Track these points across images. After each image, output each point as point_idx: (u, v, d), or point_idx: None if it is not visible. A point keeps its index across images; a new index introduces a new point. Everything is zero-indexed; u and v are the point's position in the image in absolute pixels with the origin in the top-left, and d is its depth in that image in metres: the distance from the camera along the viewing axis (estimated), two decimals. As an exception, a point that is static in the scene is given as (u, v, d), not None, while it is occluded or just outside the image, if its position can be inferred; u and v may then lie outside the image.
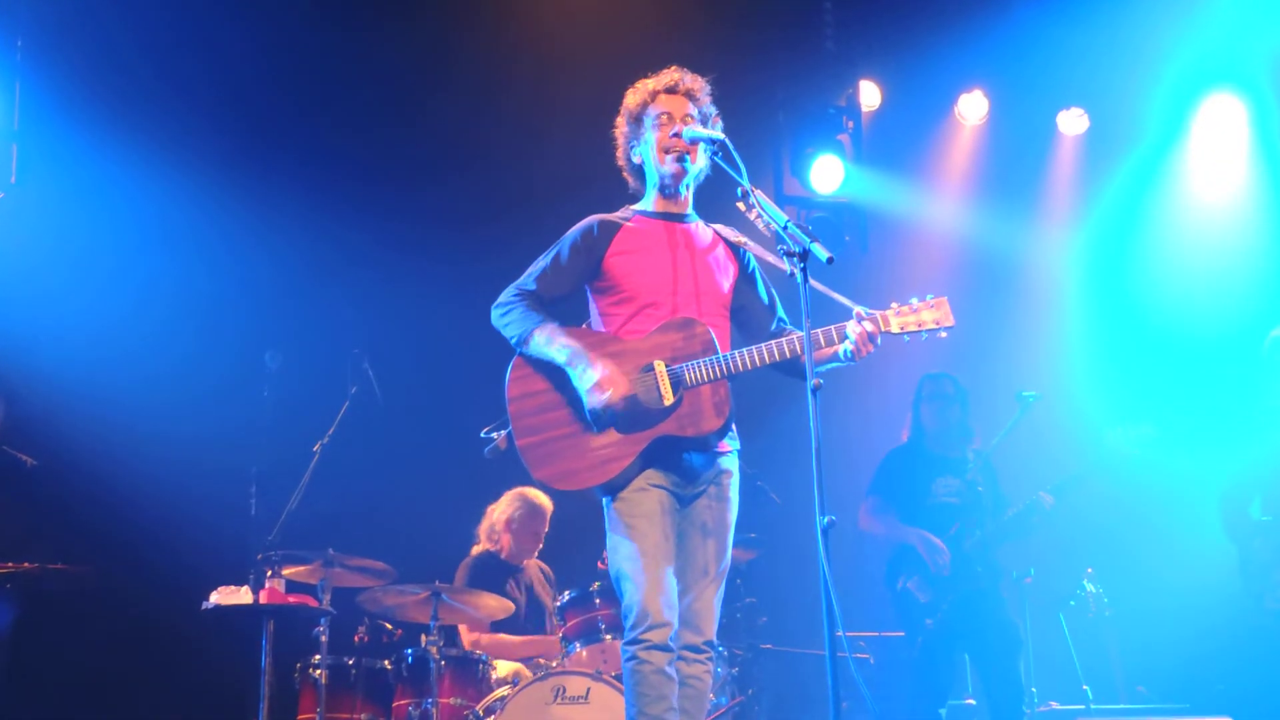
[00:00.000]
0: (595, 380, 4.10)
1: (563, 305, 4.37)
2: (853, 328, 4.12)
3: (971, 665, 6.85)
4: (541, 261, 4.39)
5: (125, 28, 7.26)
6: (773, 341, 4.18)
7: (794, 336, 4.17)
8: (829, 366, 4.23)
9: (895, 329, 4.16)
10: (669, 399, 4.12)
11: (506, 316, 4.33)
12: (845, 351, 4.15)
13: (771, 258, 4.21)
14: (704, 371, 4.12)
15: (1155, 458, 6.82)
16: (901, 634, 6.75)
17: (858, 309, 4.13)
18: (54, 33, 7.13)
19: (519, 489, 7.01)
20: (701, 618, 4.19)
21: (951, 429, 6.66)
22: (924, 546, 6.37)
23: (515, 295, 4.35)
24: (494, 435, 4.33)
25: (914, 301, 4.19)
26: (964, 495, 6.50)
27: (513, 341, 4.31)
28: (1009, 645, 6.33)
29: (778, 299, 4.48)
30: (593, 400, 4.10)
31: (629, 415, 4.14)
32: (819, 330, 4.15)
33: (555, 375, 4.22)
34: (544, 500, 6.96)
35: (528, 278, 4.38)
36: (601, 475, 4.14)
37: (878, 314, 4.15)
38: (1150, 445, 6.57)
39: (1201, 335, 8.55)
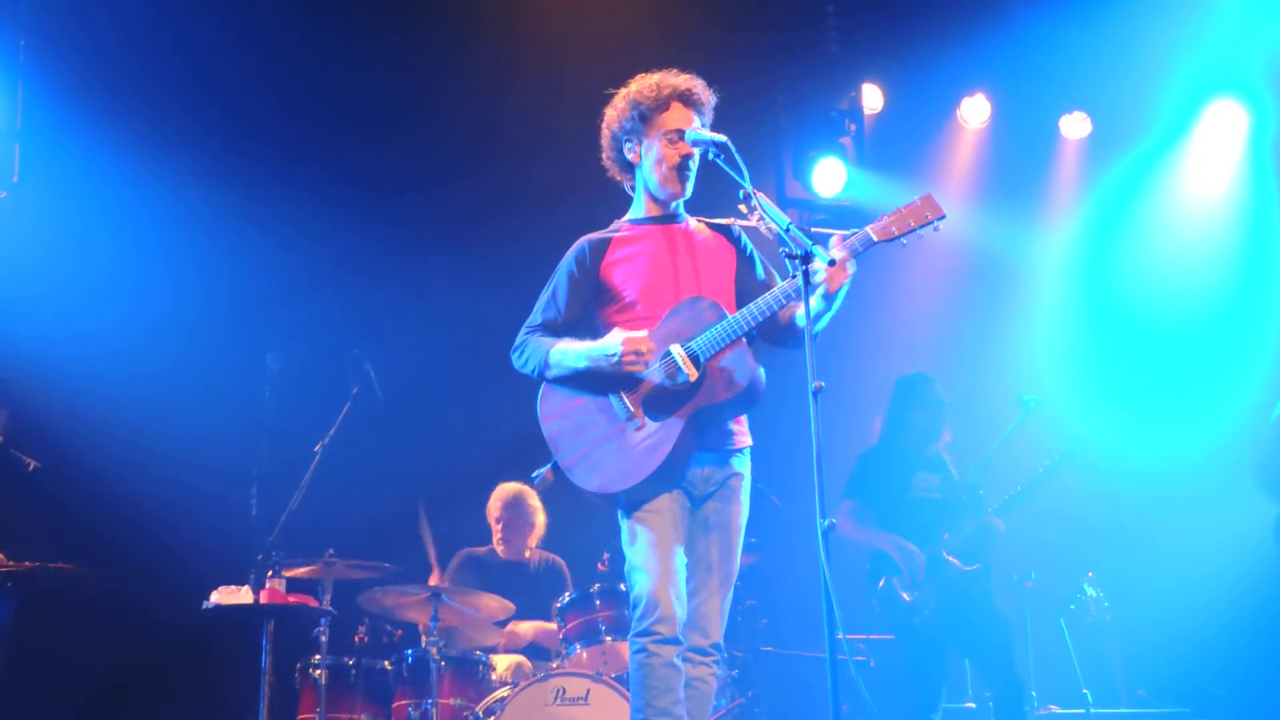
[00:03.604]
0: (618, 341, 4.11)
1: (574, 332, 4.36)
2: (818, 263, 3.95)
3: (970, 666, 6.85)
4: (544, 296, 4.41)
5: (127, 29, 7.27)
6: (762, 296, 4.13)
7: (783, 287, 4.11)
8: (822, 320, 4.14)
9: (883, 238, 4.06)
10: (693, 375, 4.13)
11: (523, 355, 4.35)
12: (820, 295, 4.02)
13: (753, 223, 4.13)
14: (716, 340, 4.12)
15: (1131, 445, 6.81)
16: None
17: (818, 246, 3.94)
18: (57, 33, 7.14)
19: (499, 484, 7.06)
20: (709, 620, 4.19)
21: (936, 430, 6.64)
22: (898, 554, 6.34)
23: (525, 334, 4.39)
24: (541, 472, 4.34)
25: (899, 208, 4.11)
26: (944, 490, 6.49)
27: (535, 373, 4.32)
28: (1002, 639, 6.32)
29: (775, 275, 4.43)
30: (628, 358, 4.09)
31: (660, 401, 4.16)
32: (786, 283, 4.09)
33: (583, 391, 4.24)
34: (513, 487, 7.06)
35: (534, 314, 4.41)
36: (651, 463, 4.13)
37: (866, 229, 4.08)
38: (1125, 430, 6.56)
39: (1202, 338, 8.56)
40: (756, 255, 4.47)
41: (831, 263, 3.91)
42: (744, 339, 4.16)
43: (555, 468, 4.28)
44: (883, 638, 6.99)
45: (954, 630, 6.32)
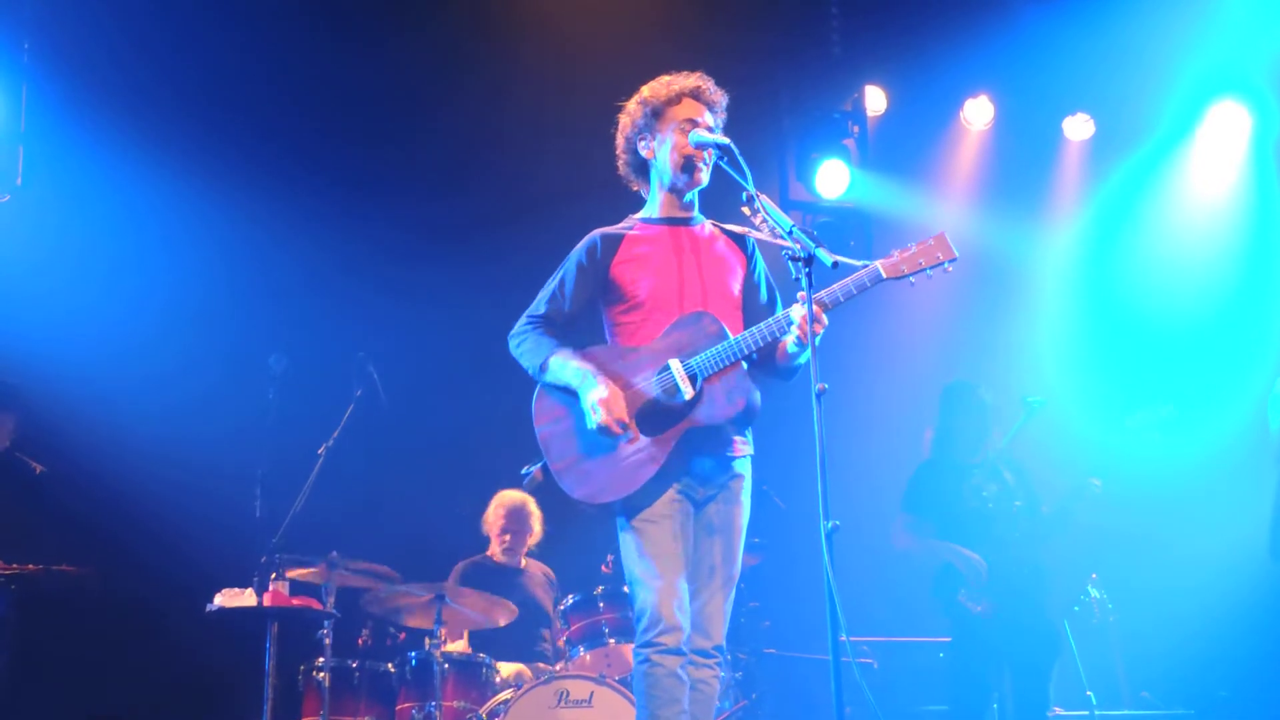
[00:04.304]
0: (592, 402, 4.12)
1: (577, 324, 4.38)
2: (797, 311, 4.05)
3: (1006, 665, 6.82)
4: (550, 284, 4.41)
5: (131, 32, 7.27)
6: (768, 320, 4.16)
7: (781, 316, 4.14)
8: (796, 362, 4.22)
9: (892, 275, 4.09)
10: (689, 393, 4.13)
11: (521, 346, 4.35)
12: (791, 346, 4.13)
13: (774, 240, 4.14)
14: (715, 360, 4.12)
15: (1174, 441, 6.78)
16: (907, 639, 6.74)
17: (801, 295, 3.94)
18: (61, 36, 7.15)
19: (499, 492, 7.07)
20: (711, 622, 4.19)
21: (985, 435, 6.63)
22: (961, 563, 6.33)
23: (528, 323, 4.38)
24: (531, 470, 4.34)
25: (911, 245, 4.14)
26: (1002, 499, 6.48)
27: (531, 372, 4.33)
28: (1045, 651, 6.32)
29: (779, 298, 4.46)
30: (591, 422, 4.12)
31: (654, 416, 4.15)
32: (764, 324, 4.13)
33: (578, 397, 4.22)
34: (516, 496, 7.06)
35: (538, 302, 4.40)
36: (638, 479, 4.13)
37: (876, 264, 4.11)
38: (1170, 427, 6.53)
39: (1205, 340, 8.55)
40: (764, 276, 4.46)
41: (816, 319, 3.94)
42: (744, 361, 4.16)
43: (545, 469, 4.29)
44: (890, 640, 6.99)
45: (1008, 635, 6.30)
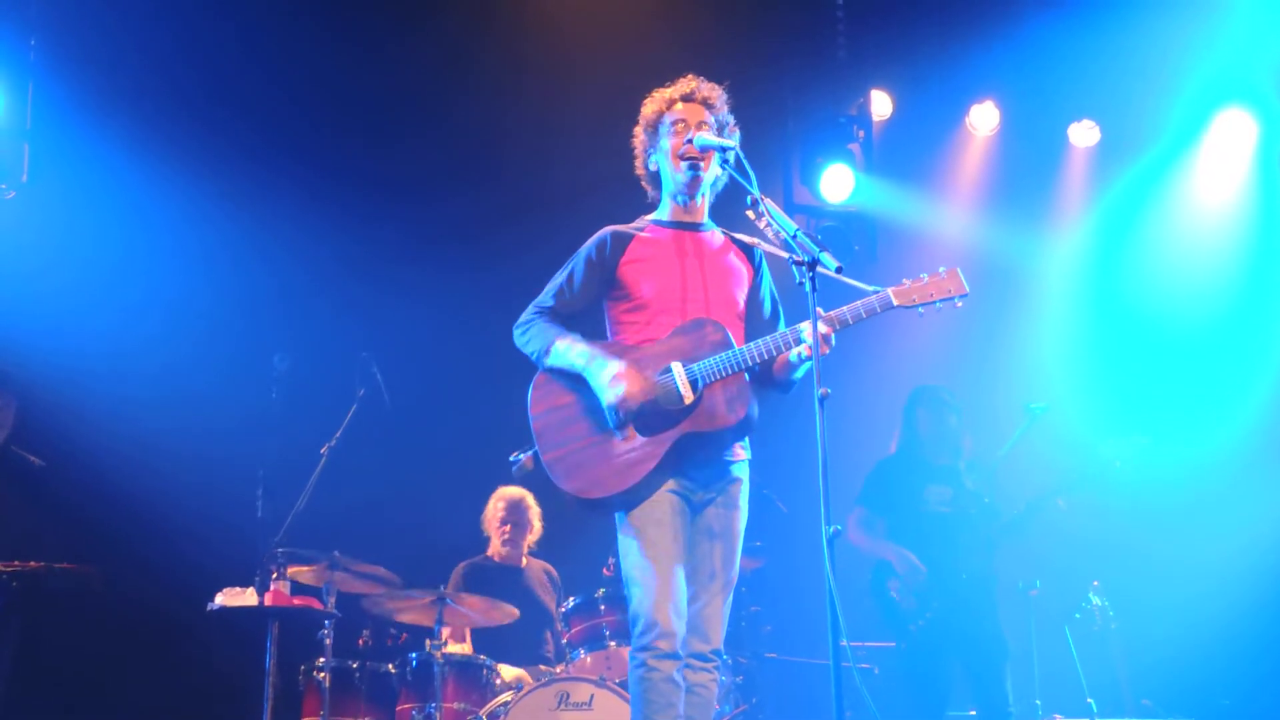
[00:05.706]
0: (611, 376, 4.11)
1: (582, 320, 4.38)
2: (808, 329, 4.04)
3: (958, 671, 6.84)
4: (558, 277, 4.41)
5: (137, 31, 7.28)
6: (775, 334, 4.17)
7: (789, 331, 4.16)
8: (794, 375, 4.25)
9: (903, 303, 4.12)
10: (689, 397, 4.12)
11: (526, 334, 4.35)
12: (799, 354, 4.13)
13: (784, 254, 4.15)
14: (718, 368, 4.12)
15: (1148, 470, 6.82)
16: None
17: (818, 309, 3.98)
18: (67, 33, 7.15)
19: (498, 488, 7.08)
20: (709, 625, 4.18)
21: (947, 437, 6.66)
22: (901, 564, 6.39)
23: (534, 313, 4.38)
24: (521, 457, 4.33)
25: (924, 276, 4.17)
26: (956, 504, 6.50)
27: (534, 357, 4.32)
28: (994, 654, 6.35)
29: (781, 312, 4.47)
30: (608, 397, 4.10)
31: (651, 417, 4.14)
32: (771, 338, 4.15)
33: (577, 388, 4.23)
34: (515, 491, 7.08)
35: (545, 294, 4.40)
36: (630, 478, 4.12)
37: (887, 291, 4.13)
38: (1144, 457, 6.57)
39: (1209, 348, 8.55)
40: (769, 290, 4.47)
41: (827, 339, 3.99)
42: (746, 372, 4.16)
43: (536, 457, 4.27)
44: (887, 645, 6.99)
45: (954, 641, 6.34)
